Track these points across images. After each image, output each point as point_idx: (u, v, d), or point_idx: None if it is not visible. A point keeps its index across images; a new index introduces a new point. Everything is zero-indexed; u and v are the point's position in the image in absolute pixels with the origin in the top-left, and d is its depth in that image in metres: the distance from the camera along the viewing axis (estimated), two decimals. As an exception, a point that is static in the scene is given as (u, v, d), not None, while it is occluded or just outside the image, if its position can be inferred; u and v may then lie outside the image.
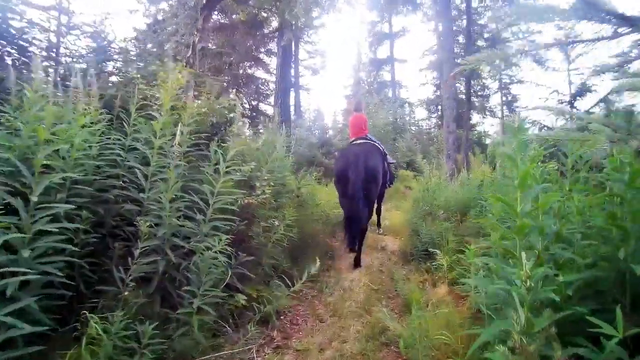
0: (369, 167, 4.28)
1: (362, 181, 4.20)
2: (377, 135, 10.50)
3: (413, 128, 19.58)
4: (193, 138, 2.90)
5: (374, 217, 5.84)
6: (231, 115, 3.66)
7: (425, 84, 22.14)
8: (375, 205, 5.57)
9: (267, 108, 17.82)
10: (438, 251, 3.60)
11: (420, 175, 10.27)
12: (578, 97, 4.27)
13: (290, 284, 2.92)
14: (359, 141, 4.86)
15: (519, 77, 16.17)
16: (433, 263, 3.89)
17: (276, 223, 3.03)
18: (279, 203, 3.54)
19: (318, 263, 2.67)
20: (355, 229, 4.25)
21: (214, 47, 10.33)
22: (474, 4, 11.64)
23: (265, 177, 3.18)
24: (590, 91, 4.21)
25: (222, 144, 3.15)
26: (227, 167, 2.56)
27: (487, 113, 17.41)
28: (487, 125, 18.72)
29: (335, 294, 3.64)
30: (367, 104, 14.47)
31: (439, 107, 20.13)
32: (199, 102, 3.46)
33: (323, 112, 22.26)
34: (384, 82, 25.70)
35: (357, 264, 4.31)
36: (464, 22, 12.44)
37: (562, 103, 4.41)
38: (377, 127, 13.80)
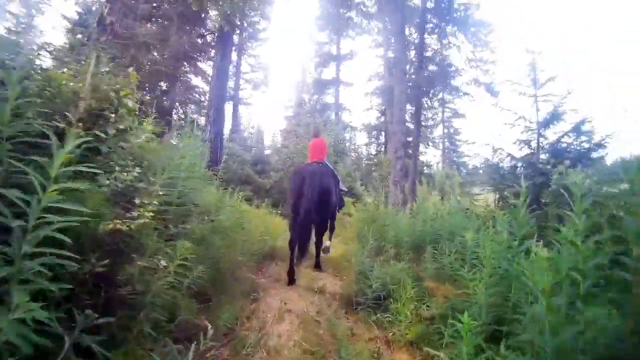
0: (324, 185, 4.40)
1: (317, 197, 4.22)
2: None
3: (353, 154, 19.17)
4: (37, 122, 1.78)
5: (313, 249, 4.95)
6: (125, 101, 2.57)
7: (370, 109, 22.09)
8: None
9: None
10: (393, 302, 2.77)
11: (359, 203, 9.64)
12: (546, 126, 3.81)
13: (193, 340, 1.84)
14: (315, 163, 4.95)
15: (461, 112, 16.63)
16: (385, 315, 3.04)
17: (162, 263, 1.92)
18: (180, 230, 2.43)
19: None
20: (303, 245, 4.18)
21: (141, 38, 8.86)
22: (426, 35, 11.64)
23: (160, 192, 2.10)
24: (559, 119, 3.76)
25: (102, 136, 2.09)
26: (69, 168, 1.49)
27: (430, 144, 17.64)
28: (430, 156, 19.09)
29: (257, 357, 2.61)
30: (307, 125, 13.88)
31: (382, 134, 20.03)
32: (67, 71, 2.31)
33: (263, 129, 21.37)
34: (327, 105, 25.40)
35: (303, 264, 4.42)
36: (412, 52, 12.39)
37: (528, 131, 3.92)
38: (318, 147, 13.05)
